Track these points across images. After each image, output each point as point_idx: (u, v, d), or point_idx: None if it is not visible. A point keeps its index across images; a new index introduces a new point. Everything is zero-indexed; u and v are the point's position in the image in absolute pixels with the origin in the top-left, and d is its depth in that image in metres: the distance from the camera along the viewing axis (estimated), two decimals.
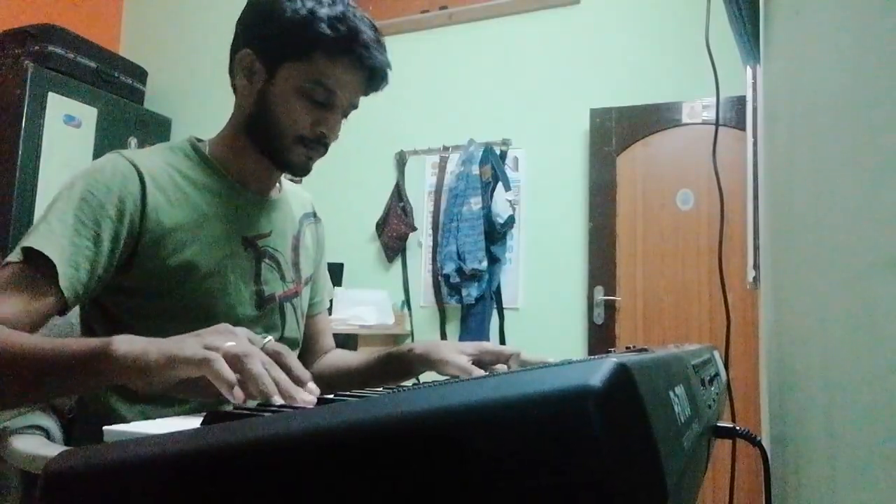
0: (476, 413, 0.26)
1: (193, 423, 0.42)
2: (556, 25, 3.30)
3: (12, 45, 3.28)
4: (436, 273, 3.31)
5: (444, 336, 3.28)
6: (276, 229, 1.05)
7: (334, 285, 3.05)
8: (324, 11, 0.92)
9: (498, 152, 3.26)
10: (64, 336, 1.03)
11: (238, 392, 0.63)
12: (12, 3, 3.55)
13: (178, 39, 4.10)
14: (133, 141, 3.65)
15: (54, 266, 0.81)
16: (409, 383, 1.09)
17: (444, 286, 3.24)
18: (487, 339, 3.11)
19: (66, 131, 3.30)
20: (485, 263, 3.13)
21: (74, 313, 1.00)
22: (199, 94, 3.81)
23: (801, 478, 0.76)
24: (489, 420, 0.26)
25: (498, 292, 3.21)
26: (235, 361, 0.65)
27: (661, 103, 3.00)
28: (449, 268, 3.19)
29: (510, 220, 3.16)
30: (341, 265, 3.36)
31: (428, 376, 1.12)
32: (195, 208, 0.95)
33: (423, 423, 0.27)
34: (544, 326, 3.12)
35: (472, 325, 3.17)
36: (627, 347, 0.97)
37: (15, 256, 0.82)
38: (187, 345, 0.67)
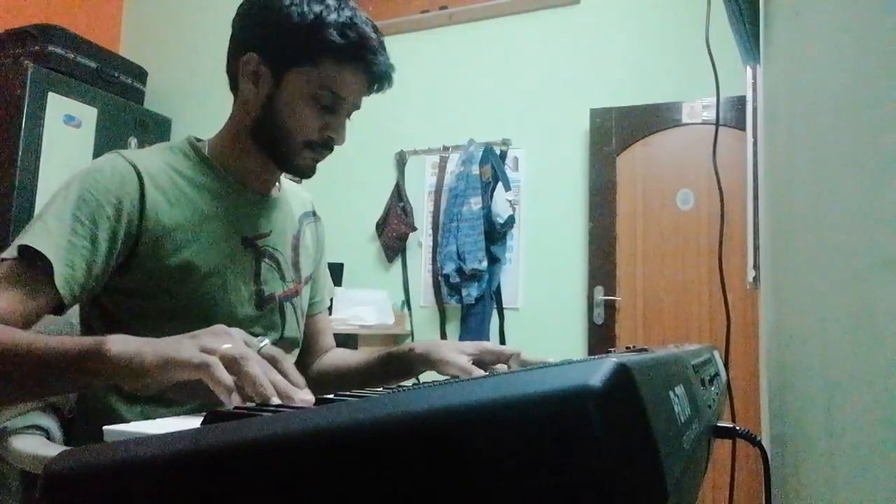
0: (476, 413, 0.26)
1: (193, 423, 0.42)
2: (556, 25, 3.30)
3: (12, 45, 3.28)
4: (436, 273, 3.31)
5: (444, 336, 3.28)
6: (276, 229, 1.05)
7: (334, 285, 3.05)
8: (332, 17, 0.91)
9: (498, 152, 3.26)
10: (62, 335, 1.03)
11: (235, 397, 0.63)
12: (12, 3, 3.55)
13: (178, 39, 4.10)
14: (133, 141, 3.65)
15: (50, 264, 0.81)
16: (408, 383, 1.09)
17: (444, 286, 3.24)
18: (487, 339, 3.10)
19: (66, 131, 3.30)
20: (485, 263, 3.13)
21: (74, 313, 1.00)
22: (199, 94, 3.81)
23: (801, 478, 0.76)
24: (489, 420, 0.26)
25: (498, 292, 3.21)
26: (232, 364, 0.65)
27: (661, 103, 3.00)
28: (449, 268, 3.19)
29: (510, 220, 3.16)
30: (341, 265, 3.36)
31: (428, 376, 1.12)
32: (194, 208, 0.95)
33: (423, 423, 0.27)
34: (544, 326, 3.12)
35: (472, 325, 3.17)
36: (627, 347, 0.97)
37: (10, 253, 0.82)
38: (184, 347, 0.66)
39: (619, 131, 3.07)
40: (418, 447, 0.26)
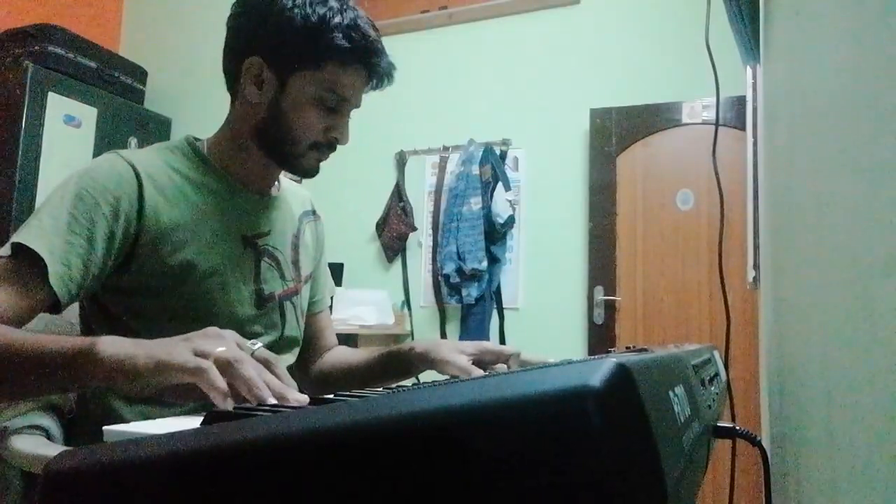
0: (476, 413, 0.26)
1: (193, 423, 0.42)
2: (556, 25, 3.30)
3: (12, 45, 3.28)
4: (436, 273, 3.31)
5: (444, 336, 3.28)
6: (276, 228, 1.05)
7: (335, 285, 3.05)
8: (336, 20, 0.91)
9: (498, 152, 3.26)
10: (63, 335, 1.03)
11: (230, 402, 0.63)
12: (12, 3, 3.55)
13: (178, 39, 4.10)
14: (133, 141, 3.65)
15: (44, 262, 0.80)
16: (408, 383, 1.09)
17: (444, 286, 3.24)
18: (487, 339, 3.11)
19: (66, 131, 3.30)
20: (485, 263, 3.13)
21: (74, 312, 1.00)
22: (199, 94, 3.80)
23: (801, 478, 0.76)
24: (489, 420, 0.26)
25: (498, 292, 3.21)
26: (227, 367, 0.65)
27: (661, 103, 3.00)
28: (449, 268, 3.19)
29: (510, 220, 3.16)
30: (341, 265, 3.36)
31: (428, 376, 1.12)
32: (194, 207, 0.95)
33: (423, 423, 0.27)
34: (544, 326, 3.13)
35: (472, 325, 3.17)
36: (627, 347, 0.97)
37: (4, 251, 0.82)
38: (177, 351, 0.66)
39: (619, 131, 3.07)
40: (418, 447, 0.26)
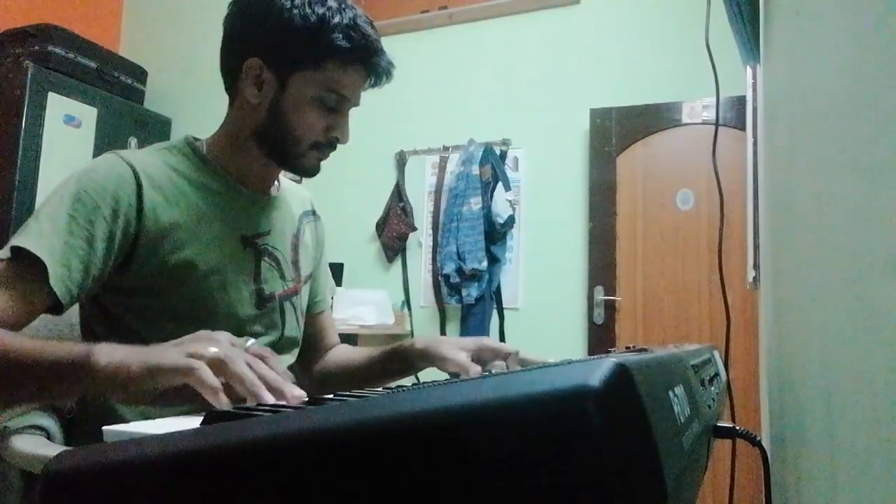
0: (476, 413, 0.26)
1: (193, 423, 0.42)
2: (556, 25, 3.30)
3: (12, 45, 3.28)
4: (436, 273, 3.31)
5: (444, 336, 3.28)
6: (275, 228, 1.05)
7: (335, 285, 3.05)
8: (336, 20, 0.91)
9: (498, 152, 3.25)
10: (63, 336, 1.03)
11: (223, 397, 0.63)
12: (12, 3, 3.55)
13: (178, 39, 4.10)
14: (133, 141, 3.65)
15: (43, 265, 0.80)
16: (408, 382, 1.09)
17: (444, 286, 3.24)
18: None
19: (66, 131, 3.30)
20: (485, 263, 3.13)
21: (74, 313, 1.00)
22: (199, 94, 3.80)
23: (801, 478, 0.76)
24: (489, 420, 0.26)
25: (498, 292, 3.21)
26: (219, 366, 0.65)
27: (661, 103, 3.00)
28: (449, 268, 3.19)
29: (510, 220, 3.16)
30: (341, 265, 3.36)
31: (428, 374, 1.12)
32: (193, 207, 0.95)
33: (423, 423, 0.27)
34: (544, 326, 3.12)
35: (472, 325, 3.16)
36: (627, 347, 0.97)
37: (4, 254, 0.82)
38: (168, 354, 0.67)
39: (619, 131, 3.07)
40: (418, 447, 0.26)
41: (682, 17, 2.96)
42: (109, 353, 0.69)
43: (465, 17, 3.48)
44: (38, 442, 0.85)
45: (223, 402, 0.62)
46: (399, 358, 1.09)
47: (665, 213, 2.96)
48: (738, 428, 0.55)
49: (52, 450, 0.81)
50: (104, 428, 0.55)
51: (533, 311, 3.18)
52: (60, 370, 0.70)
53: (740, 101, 2.28)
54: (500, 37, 3.41)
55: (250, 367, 0.67)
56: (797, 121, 0.82)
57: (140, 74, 3.86)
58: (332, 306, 2.86)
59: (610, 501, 0.24)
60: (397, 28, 3.49)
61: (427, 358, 1.04)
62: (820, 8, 0.66)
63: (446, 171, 3.38)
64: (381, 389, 0.65)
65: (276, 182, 1.08)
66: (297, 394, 0.65)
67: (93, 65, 3.50)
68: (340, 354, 1.22)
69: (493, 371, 0.99)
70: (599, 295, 3.02)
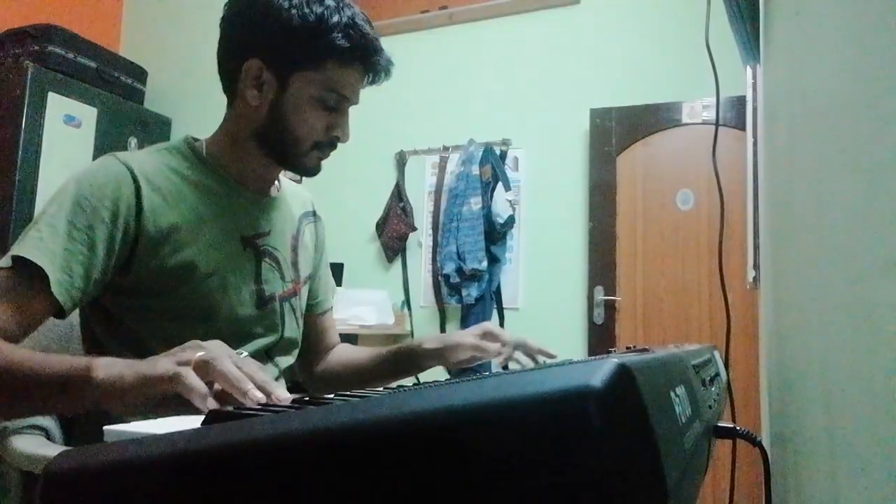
0: (476, 413, 0.26)
1: (193, 423, 0.42)
2: (556, 25, 3.30)
3: (12, 45, 3.28)
4: (436, 273, 3.31)
5: None
6: (275, 228, 1.05)
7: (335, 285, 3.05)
8: (335, 19, 0.91)
9: (498, 152, 3.25)
10: (64, 337, 1.03)
11: (211, 402, 0.64)
12: (12, 3, 3.54)
13: (178, 39, 4.10)
14: (133, 141, 3.65)
15: (45, 273, 0.81)
16: (408, 382, 1.09)
17: (444, 286, 3.24)
18: None
19: (66, 131, 3.30)
20: (485, 263, 3.13)
21: (75, 313, 1.00)
22: (199, 94, 3.80)
23: (801, 478, 0.76)
24: (489, 420, 0.26)
25: (498, 292, 3.21)
26: (204, 367, 0.66)
27: (661, 103, 3.00)
28: (449, 268, 3.19)
29: (510, 220, 3.16)
30: (341, 265, 3.36)
31: (429, 374, 1.13)
32: (193, 208, 0.95)
33: (424, 423, 0.27)
34: (544, 326, 3.12)
35: (472, 325, 3.16)
36: (628, 347, 0.97)
37: (5, 262, 0.82)
38: (159, 363, 0.68)
39: (619, 131, 3.07)
40: (418, 447, 0.26)
41: (682, 17, 2.96)
42: (108, 367, 0.70)
43: (465, 17, 3.48)
44: (38, 442, 0.86)
45: (209, 407, 0.63)
46: (405, 358, 1.11)
47: (665, 213, 2.96)
48: (738, 428, 0.55)
49: (52, 450, 0.81)
50: (104, 428, 0.55)
51: (533, 311, 3.18)
52: (62, 383, 0.71)
53: (740, 101, 2.28)
54: (500, 37, 3.41)
55: (237, 367, 0.67)
56: (797, 121, 0.82)
57: (140, 74, 3.86)
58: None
59: (611, 501, 0.24)
60: (397, 28, 3.49)
61: (439, 355, 1.07)
62: (820, 8, 0.66)
63: (446, 171, 3.38)
64: (381, 389, 0.65)
65: (276, 182, 1.08)
66: (283, 396, 0.65)
67: (93, 65, 3.50)
68: (343, 354, 1.23)
69: (516, 361, 1.07)
70: (599, 295, 3.01)
